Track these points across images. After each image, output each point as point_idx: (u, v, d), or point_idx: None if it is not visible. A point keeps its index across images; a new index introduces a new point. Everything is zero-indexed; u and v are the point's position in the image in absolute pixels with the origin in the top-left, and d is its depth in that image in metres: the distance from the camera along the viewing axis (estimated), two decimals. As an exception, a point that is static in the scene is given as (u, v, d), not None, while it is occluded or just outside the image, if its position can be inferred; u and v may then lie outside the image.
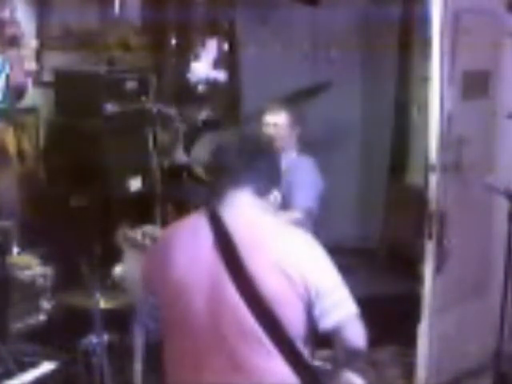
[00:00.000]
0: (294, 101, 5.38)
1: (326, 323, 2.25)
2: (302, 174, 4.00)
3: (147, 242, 3.69)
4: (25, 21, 4.60)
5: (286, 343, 2.21)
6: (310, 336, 2.29)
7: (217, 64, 5.71)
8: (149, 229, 4.13)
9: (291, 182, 3.90)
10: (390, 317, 4.29)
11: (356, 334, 2.29)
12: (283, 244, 2.26)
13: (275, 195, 3.90)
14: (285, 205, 3.92)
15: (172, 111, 5.17)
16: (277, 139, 3.96)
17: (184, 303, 2.26)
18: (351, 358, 2.35)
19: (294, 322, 2.23)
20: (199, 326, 2.24)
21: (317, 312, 2.24)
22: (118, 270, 3.77)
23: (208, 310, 2.23)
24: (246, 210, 2.32)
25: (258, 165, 2.34)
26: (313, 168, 4.08)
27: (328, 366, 2.42)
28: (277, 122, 4.02)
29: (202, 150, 4.87)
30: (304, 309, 2.23)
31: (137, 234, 3.76)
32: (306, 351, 2.28)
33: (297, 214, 3.91)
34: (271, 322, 2.18)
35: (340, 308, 2.26)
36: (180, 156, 5.06)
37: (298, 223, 3.91)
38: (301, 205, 3.93)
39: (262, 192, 2.36)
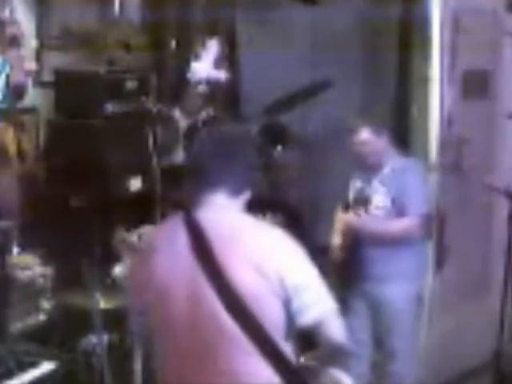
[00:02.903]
0: (294, 101, 5.38)
1: (305, 320, 2.25)
2: (412, 177, 3.87)
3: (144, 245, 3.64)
4: (25, 21, 4.60)
5: (267, 343, 2.20)
6: (291, 333, 2.29)
7: (217, 64, 5.70)
8: (147, 230, 4.11)
9: (402, 186, 3.80)
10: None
11: (335, 330, 2.29)
12: (258, 243, 2.26)
13: (382, 200, 3.81)
14: (398, 209, 3.83)
15: (172, 111, 5.17)
16: (370, 156, 3.89)
17: (165, 307, 2.26)
18: (334, 354, 2.34)
19: (273, 321, 2.22)
20: (180, 330, 2.24)
21: (294, 309, 2.23)
22: (118, 270, 3.77)
23: (188, 313, 2.22)
24: (221, 211, 2.31)
25: (232, 166, 2.32)
26: (419, 169, 3.98)
27: (313, 363, 2.41)
28: (362, 139, 3.88)
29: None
30: (282, 306, 2.22)
31: (133, 237, 3.72)
32: (288, 349, 2.27)
33: (412, 221, 3.81)
34: (250, 322, 2.18)
35: (317, 304, 2.26)
36: (180, 156, 5.06)
37: (414, 230, 3.82)
38: (415, 211, 3.82)
39: (237, 192, 2.33)
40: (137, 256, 2.51)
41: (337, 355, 2.34)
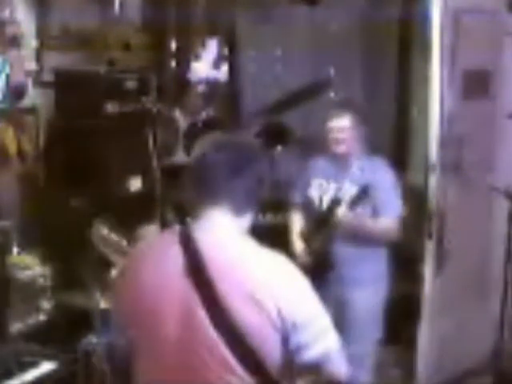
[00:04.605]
0: (294, 101, 5.39)
1: (304, 358, 2.12)
2: (383, 176, 3.83)
3: (122, 243, 3.52)
4: (25, 21, 4.60)
5: (261, 374, 2.10)
6: (289, 367, 2.16)
7: (217, 64, 5.71)
8: (146, 229, 4.10)
9: (371, 183, 3.70)
10: (391, 317, 4.29)
11: (335, 368, 2.16)
12: (258, 272, 2.11)
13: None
14: (372, 209, 3.76)
15: (172, 111, 5.17)
16: (343, 143, 3.85)
17: (152, 326, 2.14)
18: None
19: (270, 354, 2.10)
20: (168, 350, 2.13)
21: (294, 345, 2.10)
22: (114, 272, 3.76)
23: (178, 337, 2.11)
24: (220, 231, 2.16)
25: (240, 180, 2.15)
26: (388, 168, 3.92)
27: None
28: (341, 125, 3.85)
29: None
30: (281, 341, 2.10)
31: (115, 236, 3.55)
32: (284, 382, 2.16)
33: (390, 223, 3.81)
34: (244, 352, 2.07)
35: (318, 342, 2.12)
36: (180, 156, 5.06)
37: (391, 230, 3.82)
38: (392, 212, 3.82)
39: (241, 211, 2.18)
40: (122, 272, 2.36)
41: None
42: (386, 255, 3.96)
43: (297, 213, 4.12)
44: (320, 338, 2.13)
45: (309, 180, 4.03)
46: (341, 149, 3.88)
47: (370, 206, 3.76)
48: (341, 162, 3.92)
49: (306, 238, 3.96)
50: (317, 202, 3.95)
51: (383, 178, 3.83)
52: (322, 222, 3.85)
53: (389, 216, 3.81)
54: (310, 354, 2.12)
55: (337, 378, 2.16)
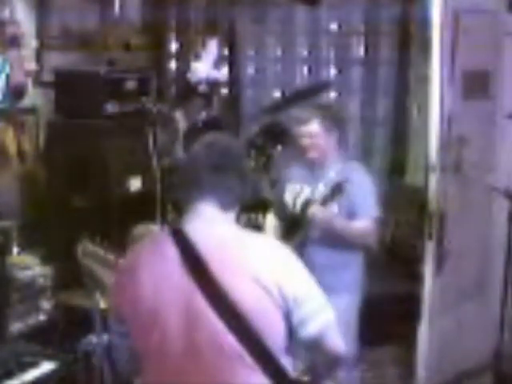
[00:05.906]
0: (293, 101, 5.38)
1: (307, 331, 2.19)
2: (358, 179, 3.66)
3: (110, 256, 3.48)
4: (25, 21, 4.61)
5: (267, 357, 2.14)
6: (291, 346, 2.23)
7: (217, 64, 5.71)
8: (143, 228, 4.08)
9: (349, 189, 3.52)
10: (390, 317, 4.30)
11: (336, 340, 2.24)
12: (256, 255, 2.19)
13: (329, 204, 3.51)
14: (345, 214, 3.61)
15: (172, 111, 5.17)
16: (314, 148, 3.71)
17: (159, 329, 2.17)
18: (332, 366, 2.30)
19: (275, 334, 2.16)
20: (178, 350, 2.16)
21: (296, 320, 2.18)
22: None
23: (185, 332, 2.14)
24: (212, 222, 2.25)
25: (225, 178, 2.26)
26: (365, 172, 3.78)
27: (305, 377, 2.34)
28: (310, 131, 3.69)
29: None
30: (283, 319, 2.17)
31: (98, 248, 3.49)
32: (287, 362, 2.22)
33: (365, 225, 3.64)
34: (250, 336, 2.11)
35: (319, 315, 2.21)
36: (180, 156, 5.06)
37: (367, 233, 3.67)
38: (368, 215, 3.66)
39: (227, 206, 2.27)
40: (118, 280, 2.38)
41: (334, 366, 2.32)
42: (362, 263, 3.83)
43: (272, 217, 4.00)
44: (320, 311, 2.22)
45: (283, 186, 3.90)
46: (312, 154, 3.75)
47: (345, 208, 3.63)
48: (315, 167, 3.79)
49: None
50: (290, 205, 3.80)
51: (359, 180, 3.67)
52: (294, 224, 3.71)
53: (364, 218, 3.67)
54: (312, 328, 2.19)
55: (336, 352, 2.25)
